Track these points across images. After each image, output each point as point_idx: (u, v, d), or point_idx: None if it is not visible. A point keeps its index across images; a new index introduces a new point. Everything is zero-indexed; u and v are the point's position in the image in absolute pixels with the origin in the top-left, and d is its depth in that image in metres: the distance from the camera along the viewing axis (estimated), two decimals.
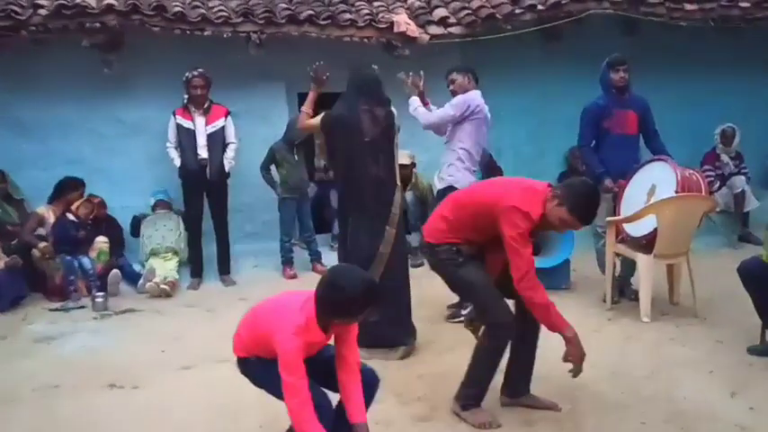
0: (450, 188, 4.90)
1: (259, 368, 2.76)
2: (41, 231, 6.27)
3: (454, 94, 5.22)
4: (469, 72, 5.29)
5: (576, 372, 3.26)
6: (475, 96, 5.14)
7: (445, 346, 4.48)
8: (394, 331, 4.36)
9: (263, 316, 2.78)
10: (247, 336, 2.80)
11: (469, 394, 3.47)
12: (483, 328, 3.47)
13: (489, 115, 5.25)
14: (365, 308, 2.63)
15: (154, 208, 6.71)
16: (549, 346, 4.40)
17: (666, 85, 7.64)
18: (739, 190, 7.81)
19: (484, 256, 3.41)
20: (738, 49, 8.00)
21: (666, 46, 7.83)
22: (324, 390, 2.78)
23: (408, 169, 6.85)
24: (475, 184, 3.83)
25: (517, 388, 3.61)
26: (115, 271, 6.22)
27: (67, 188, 6.40)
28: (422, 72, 5.38)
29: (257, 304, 2.90)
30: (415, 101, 5.31)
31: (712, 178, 7.85)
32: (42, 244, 6.05)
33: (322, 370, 2.77)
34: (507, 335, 3.37)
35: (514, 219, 3.14)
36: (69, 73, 6.58)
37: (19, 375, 4.23)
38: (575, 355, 3.24)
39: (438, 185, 5.35)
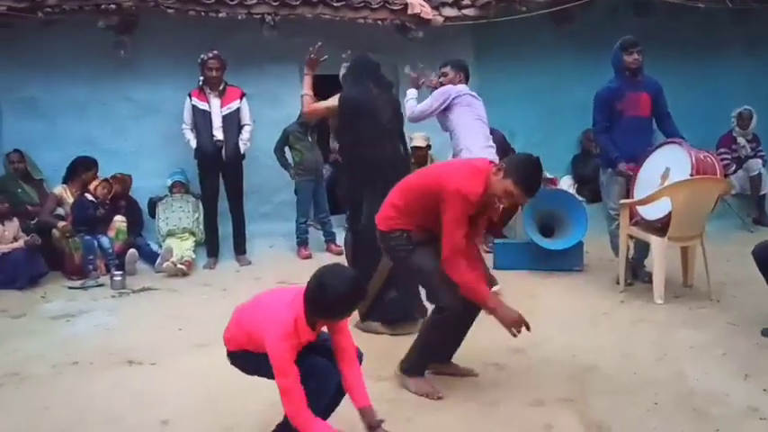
0: None
1: (249, 360, 2.79)
2: (60, 211, 6.37)
3: (441, 86, 5.22)
4: (462, 70, 5.28)
5: (514, 334, 3.31)
6: (458, 87, 5.12)
7: None
8: (412, 305, 4.42)
9: (251, 316, 2.79)
10: (239, 334, 2.82)
11: (413, 363, 3.58)
12: None
13: (479, 100, 5.22)
14: (353, 307, 2.69)
15: (171, 189, 6.77)
16: (557, 329, 4.46)
17: (679, 67, 7.59)
18: (755, 173, 7.77)
19: (435, 243, 3.44)
20: (752, 32, 7.92)
21: (679, 28, 7.76)
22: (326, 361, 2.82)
23: (424, 151, 6.88)
24: (421, 169, 3.88)
25: (441, 355, 3.72)
26: (132, 250, 6.30)
27: (81, 168, 6.47)
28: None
29: (244, 303, 2.92)
30: (412, 92, 5.32)
31: (728, 161, 7.80)
32: (62, 223, 6.14)
33: (321, 350, 2.82)
34: (453, 317, 3.45)
35: (455, 202, 3.23)
36: (83, 54, 6.63)
37: (37, 352, 4.30)
38: (505, 322, 3.30)
39: None
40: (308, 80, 4.79)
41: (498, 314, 3.31)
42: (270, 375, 2.68)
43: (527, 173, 3.23)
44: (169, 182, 6.78)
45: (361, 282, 2.75)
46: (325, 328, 2.81)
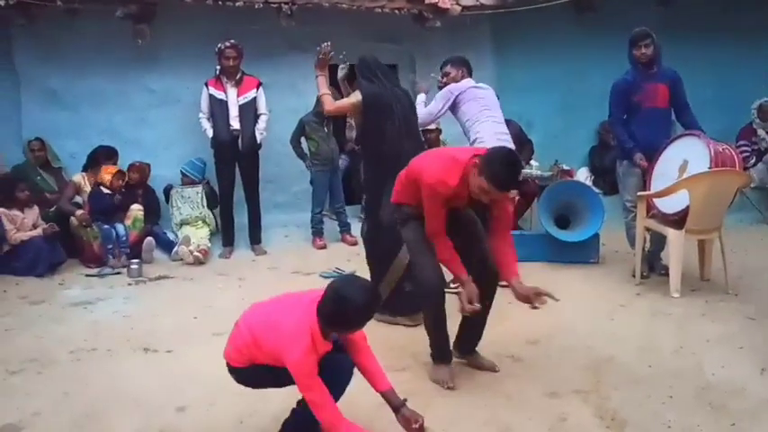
0: None
1: (260, 373, 2.74)
2: (78, 199, 6.42)
3: (445, 86, 5.20)
4: (463, 65, 5.24)
5: (463, 308, 3.36)
6: (460, 84, 5.10)
7: None
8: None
9: (262, 333, 2.71)
10: (247, 349, 2.74)
11: (432, 349, 3.66)
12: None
13: (486, 90, 5.19)
14: (371, 316, 2.66)
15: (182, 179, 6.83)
16: (573, 321, 4.45)
17: (701, 57, 7.51)
18: None
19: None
20: None
21: (701, 17, 7.67)
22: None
23: (434, 134, 6.89)
24: (421, 153, 3.90)
25: (463, 346, 3.76)
26: (150, 239, 6.35)
27: (102, 157, 6.53)
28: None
29: (246, 315, 2.85)
30: (421, 97, 5.34)
31: (748, 153, 7.73)
32: (79, 212, 6.20)
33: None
34: (430, 295, 3.52)
35: (427, 193, 3.33)
36: (102, 43, 6.66)
37: (56, 338, 4.35)
38: (468, 295, 3.35)
39: None
40: (322, 80, 4.73)
41: (465, 288, 3.37)
42: (281, 385, 2.69)
43: (499, 169, 3.13)
44: (180, 176, 6.83)
45: (377, 290, 2.75)
46: None
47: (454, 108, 5.09)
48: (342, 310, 2.57)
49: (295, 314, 2.66)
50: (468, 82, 5.14)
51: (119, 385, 3.62)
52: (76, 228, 6.19)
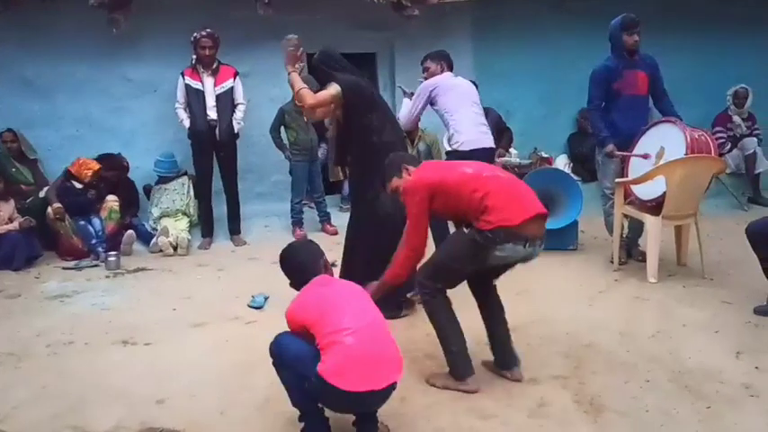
0: (466, 152, 4.87)
1: None
2: None
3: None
4: (443, 59, 5.26)
5: None
6: (435, 79, 5.12)
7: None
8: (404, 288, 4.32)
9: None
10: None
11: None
12: None
13: (464, 82, 5.22)
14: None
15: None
16: (552, 307, 4.48)
17: (679, 45, 7.56)
18: (750, 151, 7.77)
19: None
20: (752, 9, 7.88)
21: (680, 5, 7.71)
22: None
23: None
24: None
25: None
26: (130, 231, 6.30)
27: (106, 161, 6.46)
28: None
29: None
30: (406, 102, 5.36)
31: (724, 139, 7.81)
32: (56, 205, 6.07)
33: None
34: None
35: None
36: (78, 31, 6.58)
37: (33, 332, 4.31)
38: None
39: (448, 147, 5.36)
40: (294, 77, 4.42)
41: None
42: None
43: None
44: (156, 175, 6.77)
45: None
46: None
47: (432, 103, 5.10)
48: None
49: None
50: (447, 77, 5.15)
51: (98, 378, 3.59)
52: (52, 221, 6.11)
